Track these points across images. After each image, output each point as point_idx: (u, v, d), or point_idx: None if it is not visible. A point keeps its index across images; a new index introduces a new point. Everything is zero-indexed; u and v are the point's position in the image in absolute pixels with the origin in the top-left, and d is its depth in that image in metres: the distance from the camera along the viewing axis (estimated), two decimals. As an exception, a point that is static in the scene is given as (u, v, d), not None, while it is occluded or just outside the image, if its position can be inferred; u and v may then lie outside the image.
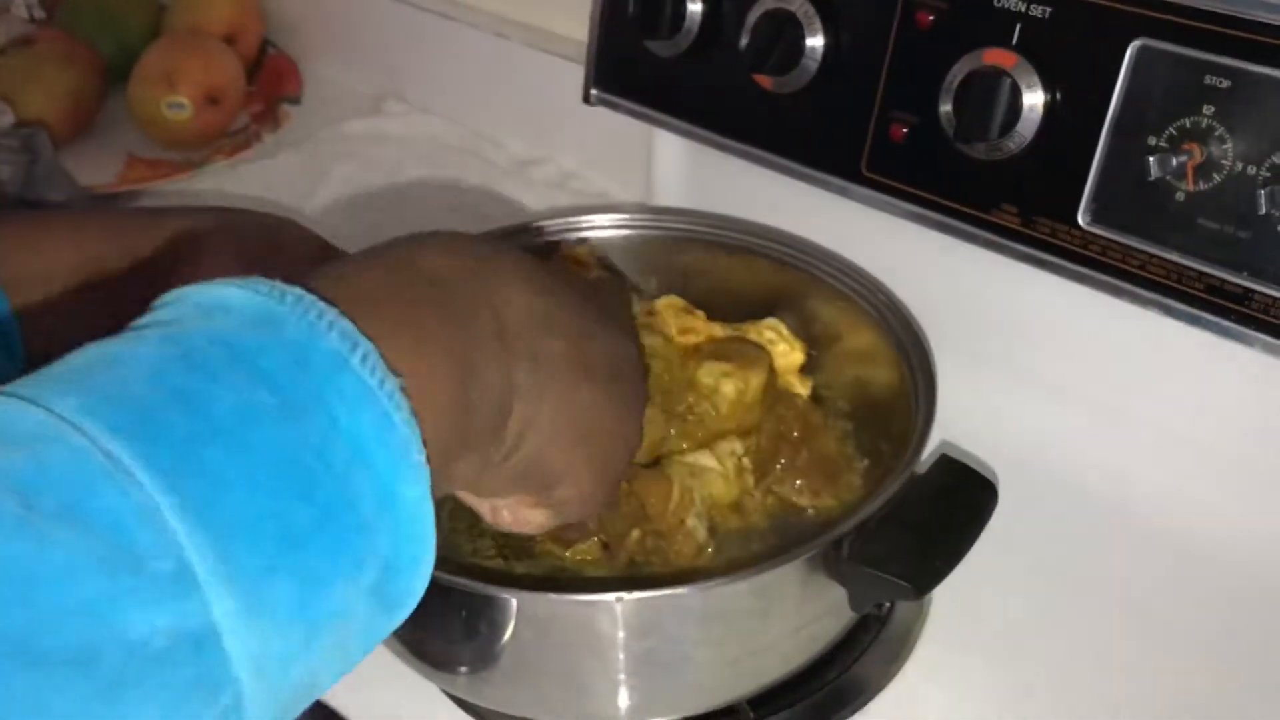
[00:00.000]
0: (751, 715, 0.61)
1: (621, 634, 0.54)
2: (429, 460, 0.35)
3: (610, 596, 0.52)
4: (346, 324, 0.34)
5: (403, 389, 0.35)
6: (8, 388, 0.31)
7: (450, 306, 0.40)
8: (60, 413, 0.30)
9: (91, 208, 0.96)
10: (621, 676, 0.56)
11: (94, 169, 1.08)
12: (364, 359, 0.34)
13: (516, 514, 0.49)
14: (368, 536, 0.33)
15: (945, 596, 0.67)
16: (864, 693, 0.63)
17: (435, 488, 0.36)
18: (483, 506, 0.50)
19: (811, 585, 0.55)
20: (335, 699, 0.62)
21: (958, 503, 0.58)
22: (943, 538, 0.56)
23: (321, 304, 0.35)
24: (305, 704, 0.34)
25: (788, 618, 0.57)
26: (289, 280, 0.35)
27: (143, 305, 0.63)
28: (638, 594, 0.52)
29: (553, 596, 0.56)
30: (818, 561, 0.54)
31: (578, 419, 0.46)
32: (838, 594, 0.56)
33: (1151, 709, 0.62)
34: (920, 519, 0.56)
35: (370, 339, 0.35)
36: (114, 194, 1.06)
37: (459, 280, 0.41)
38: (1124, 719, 0.61)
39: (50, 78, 1.13)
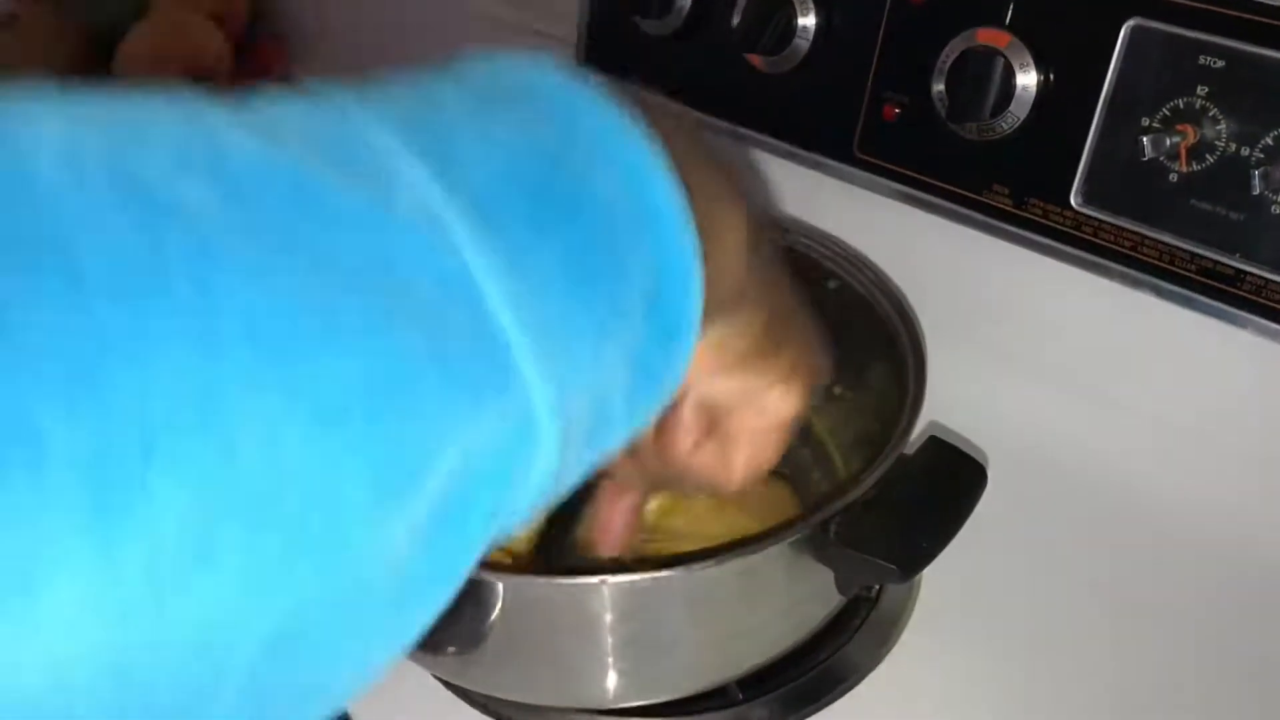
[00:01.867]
0: (740, 697, 0.61)
1: (609, 617, 0.53)
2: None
3: (595, 579, 0.52)
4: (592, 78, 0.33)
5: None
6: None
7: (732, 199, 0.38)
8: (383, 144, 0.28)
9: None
10: (609, 659, 0.55)
11: (79, 149, 1.08)
12: (605, 93, 0.33)
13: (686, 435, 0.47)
14: (627, 239, 0.31)
15: (934, 580, 0.67)
16: (853, 675, 0.63)
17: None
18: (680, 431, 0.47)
19: (799, 567, 0.55)
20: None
21: (946, 484, 0.57)
22: (930, 520, 0.55)
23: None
24: (606, 443, 0.33)
25: (775, 600, 0.57)
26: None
27: None
28: (623, 577, 0.52)
29: (539, 580, 0.55)
30: (804, 544, 0.54)
31: (776, 368, 0.45)
32: (825, 576, 0.56)
33: (1140, 693, 0.62)
34: (908, 501, 0.55)
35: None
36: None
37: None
38: (1112, 702, 0.61)
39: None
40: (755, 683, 0.61)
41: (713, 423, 0.47)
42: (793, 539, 0.53)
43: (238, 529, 0.22)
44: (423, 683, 0.63)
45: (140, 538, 0.21)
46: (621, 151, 0.31)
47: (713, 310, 0.36)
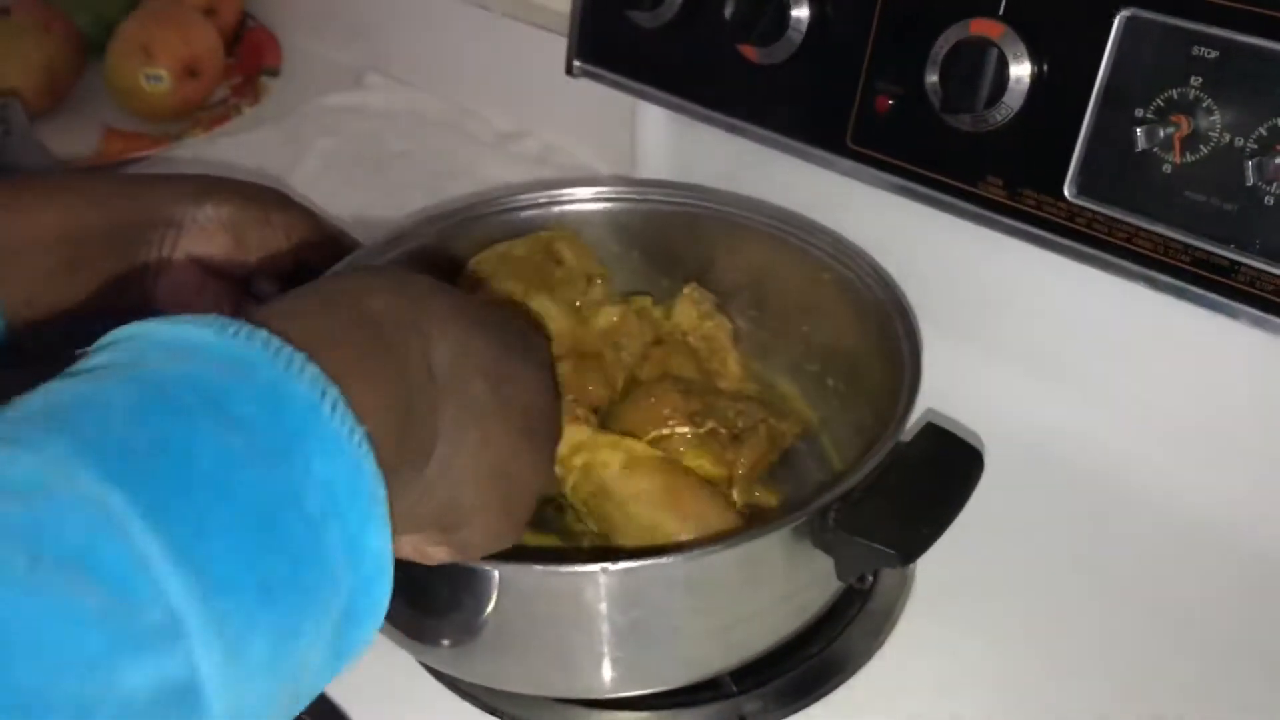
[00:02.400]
0: (734, 689, 0.61)
1: (606, 605, 0.53)
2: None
3: (595, 567, 0.52)
4: (315, 369, 0.34)
5: (368, 437, 0.34)
6: None
7: (393, 350, 0.40)
8: (50, 457, 0.29)
9: (74, 173, 0.95)
10: (607, 648, 0.55)
11: (70, 141, 1.07)
12: (334, 406, 0.34)
13: (419, 549, 0.48)
14: (335, 588, 0.33)
15: (928, 572, 0.67)
16: (847, 666, 0.63)
17: None
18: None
19: (798, 554, 0.55)
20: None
21: (944, 470, 0.58)
22: (929, 505, 0.56)
23: (290, 348, 0.34)
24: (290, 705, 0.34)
25: (774, 587, 0.57)
26: (250, 320, 0.35)
27: (122, 275, 0.62)
28: (622, 564, 0.52)
29: (537, 568, 0.55)
30: (804, 530, 0.54)
31: (493, 462, 0.45)
32: (824, 563, 0.56)
33: (1134, 681, 0.62)
34: (906, 487, 0.56)
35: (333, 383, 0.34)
36: (91, 168, 1.04)
37: (398, 321, 0.41)
38: (1106, 691, 0.61)
39: (26, 49, 1.12)
40: (748, 675, 0.61)
41: (447, 528, 0.47)
42: (793, 525, 0.53)
43: None
44: (414, 675, 0.63)
45: None
46: (350, 501, 0.33)
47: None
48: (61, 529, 0.28)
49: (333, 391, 0.34)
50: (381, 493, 0.34)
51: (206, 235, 0.63)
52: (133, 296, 0.62)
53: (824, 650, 0.64)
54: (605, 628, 0.54)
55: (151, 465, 0.30)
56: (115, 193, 0.62)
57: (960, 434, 0.59)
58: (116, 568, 0.28)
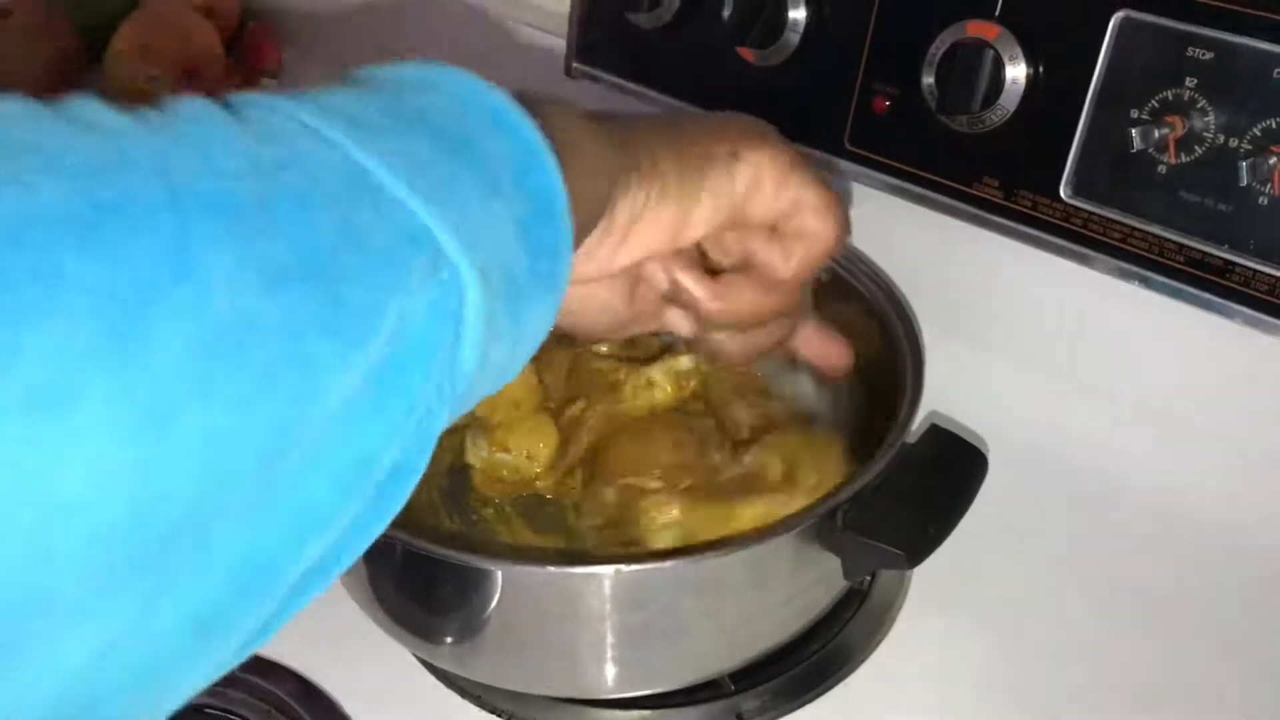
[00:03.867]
0: (733, 688, 0.62)
1: (615, 606, 0.54)
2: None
3: (609, 569, 0.52)
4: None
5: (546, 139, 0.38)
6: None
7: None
8: (304, 118, 0.32)
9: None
10: (614, 649, 0.56)
11: (71, 142, 1.07)
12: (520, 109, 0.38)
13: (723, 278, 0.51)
14: (478, 128, 0.36)
15: (926, 571, 0.67)
16: (845, 665, 0.63)
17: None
18: (686, 286, 0.51)
19: (806, 555, 0.55)
20: (314, 673, 0.62)
21: (949, 471, 0.58)
22: (935, 506, 0.56)
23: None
24: (521, 310, 0.36)
25: (781, 588, 0.57)
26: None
27: None
28: (629, 566, 0.52)
29: (549, 569, 0.55)
30: (812, 532, 0.55)
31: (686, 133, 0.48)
32: (831, 564, 0.56)
33: (1131, 678, 0.62)
34: (912, 488, 0.56)
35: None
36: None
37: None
38: (1103, 688, 0.62)
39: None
40: (746, 674, 0.62)
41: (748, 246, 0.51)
42: (802, 527, 0.54)
43: (221, 365, 0.27)
44: (415, 676, 0.63)
45: (144, 369, 0.25)
46: (451, 84, 0.37)
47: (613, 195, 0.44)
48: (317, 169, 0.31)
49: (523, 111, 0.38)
50: (472, 79, 0.38)
51: None
52: None
53: (822, 649, 0.64)
54: (614, 628, 0.55)
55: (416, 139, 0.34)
56: None
57: (963, 431, 0.60)
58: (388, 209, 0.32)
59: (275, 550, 0.29)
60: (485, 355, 0.34)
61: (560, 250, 0.38)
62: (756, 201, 0.49)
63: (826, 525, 0.54)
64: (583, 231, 0.43)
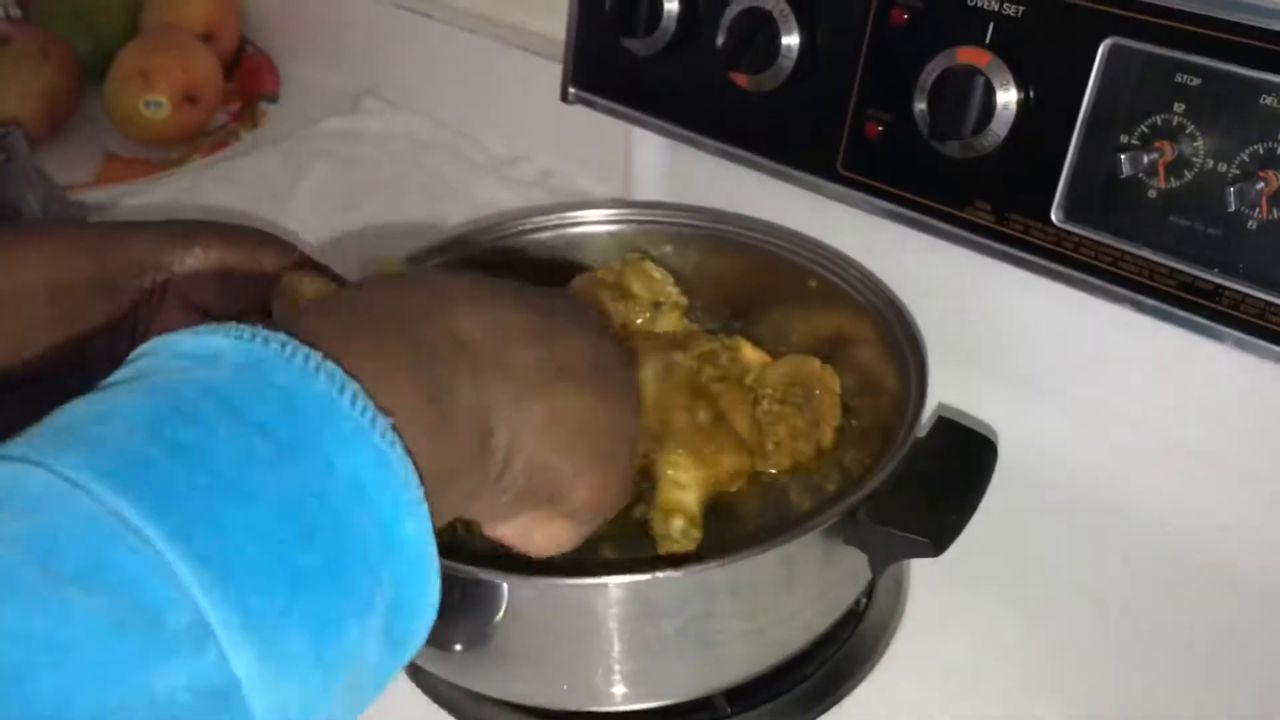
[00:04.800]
0: (728, 710, 0.62)
1: (642, 613, 0.55)
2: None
3: (645, 576, 0.53)
4: (332, 366, 0.34)
5: (393, 426, 0.35)
6: (1, 449, 0.31)
7: (413, 336, 0.40)
8: (63, 473, 0.30)
9: (60, 221, 0.96)
10: (629, 657, 0.56)
11: (70, 168, 1.08)
12: (353, 399, 0.34)
13: (545, 532, 0.49)
14: (374, 576, 0.34)
15: (922, 592, 0.68)
16: (841, 687, 0.63)
17: (432, 519, 0.36)
18: (507, 533, 0.49)
19: (831, 553, 0.57)
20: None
21: (961, 460, 0.60)
22: (953, 494, 0.58)
23: (305, 348, 0.35)
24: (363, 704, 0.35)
25: (808, 587, 0.59)
26: (268, 327, 0.35)
27: (113, 324, 0.62)
28: (627, 577, 0.53)
29: (575, 581, 0.55)
30: (836, 529, 0.56)
31: (565, 419, 0.45)
32: (855, 560, 0.58)
33: (1128, 701, 0.62)
34: (928, 478, 0.58)
35: (352, 377, 0.35)
36: (92, 194, 1.05)
37: (417, 311, 0.41)
38: (1101, 711, 0.62)
39: (26, 76, 1.13)
40: (744, 695, 0.62)
41: (549, 500, 0.47)
42: (826, 525, 0.55)
43: None
44: (405, 695, 0.64)
45: None
46: (378, 493, 0.34)
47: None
48: (75, 541, 0.29)
49: (351, 386, 0.34)
50: (413, 479, 0.35)
51: (194, 280, 0.62)
52: (123, 346, 0.62)
53: (818, 670, 0.64)
54: (635, 637, 0.56)
55: (166, 472, 0.31)
56: (102, 240, 0.61)
57: (970, 422, 0.62)
58: (134, 575, 0.29)
59: None
60: None
61: (397, 670, 0.37)
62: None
63: (850, 521, 0.56)
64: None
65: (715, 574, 0.54)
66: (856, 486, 0.58)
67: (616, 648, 0.56)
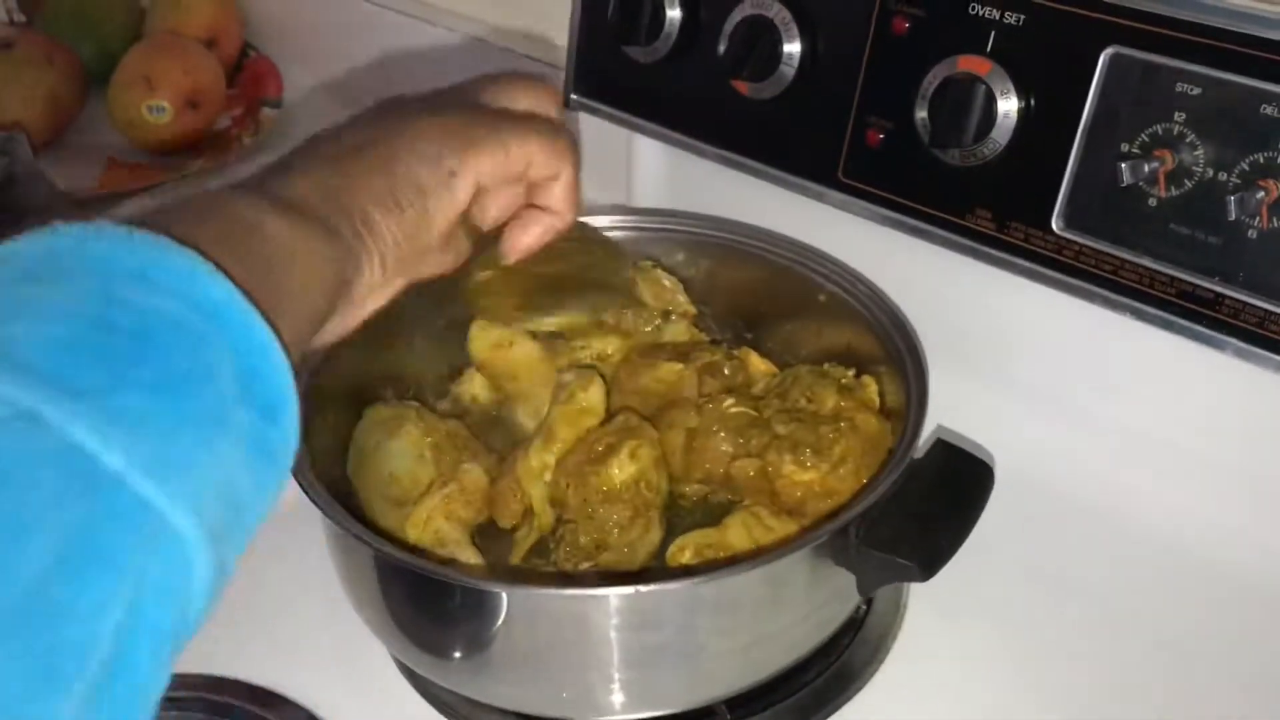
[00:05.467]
0: (729, 717, 0.62)
1: (630, 626, 0.54)
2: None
3: (629, 589, 0.53)
4: (111, 225, 0.36)
5: (169, 241, 0.36)
6: None
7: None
8: None
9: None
10: (624, 669, 0.56)
11: (73, 172, 1.08)
12: (129, 232, 0.36)
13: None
14: (198, 343, 0.35)
15: (921, 599, 0.68)
16: (842, 694, 0.64)
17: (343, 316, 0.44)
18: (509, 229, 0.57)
19: (820, 572, 0.56)
20: (319, 707, 0.62)
21: (957, 484, 0.60)
22: (946, 518, 0.58)
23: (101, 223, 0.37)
24: (238, 534, 0.35)
25: (796, 606, 0.58)
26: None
27: None
28: (628, 589, 0.53)
29: (566, 591, 0.56)
30: (825, 549, 0.56)
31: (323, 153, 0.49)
32: (843, 580, 0.57)
33: (1127, 709, 0.62)
34: (922, 501, 0.57)
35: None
36: (94, 198, 1.05)
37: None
38: (1099, 716, 0.62)
39: (30, 81, 1.13)
40: (744, 702, 0.62)
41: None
42: (815, 544, 0.55)
43: None
44: (394, 688, 0.64)
45: None
46: (163, 273, 0.35)
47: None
48: None
49: (135, 231, 0.36)
50: (198, 261, 0.36)
51: None
52: None
53: (818, 678, 0.64)
54: (629, 648, 0.55)
55: None
56: None
57: (969, 446, 0.61)
58: None
59: None
60: (217, 585, 0.34)
61: (286, 445, 0.38)
62: (487, 194, 0.53)
63: (840, 541, 0.55)
64: (308, 340, 0.43)
65: (703, 589, 0.54)
66: (848, 506, 0.57)
67: (612, 658, 0.56)
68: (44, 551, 0.29)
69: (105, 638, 0.30)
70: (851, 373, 0.69)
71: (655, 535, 0.63)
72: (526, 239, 0.58)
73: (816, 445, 0.63)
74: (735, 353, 0.73)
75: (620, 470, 0.62)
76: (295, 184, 0.45)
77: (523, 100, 0.56)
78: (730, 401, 0.67)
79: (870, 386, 0.68)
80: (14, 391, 0.30)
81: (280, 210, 0.42)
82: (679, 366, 0.69)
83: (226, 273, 0.36)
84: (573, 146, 0.56)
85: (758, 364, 0.73)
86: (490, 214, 0.56)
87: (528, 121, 0.54)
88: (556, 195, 0.56)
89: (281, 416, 0.37)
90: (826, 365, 0.70)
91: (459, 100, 0.54)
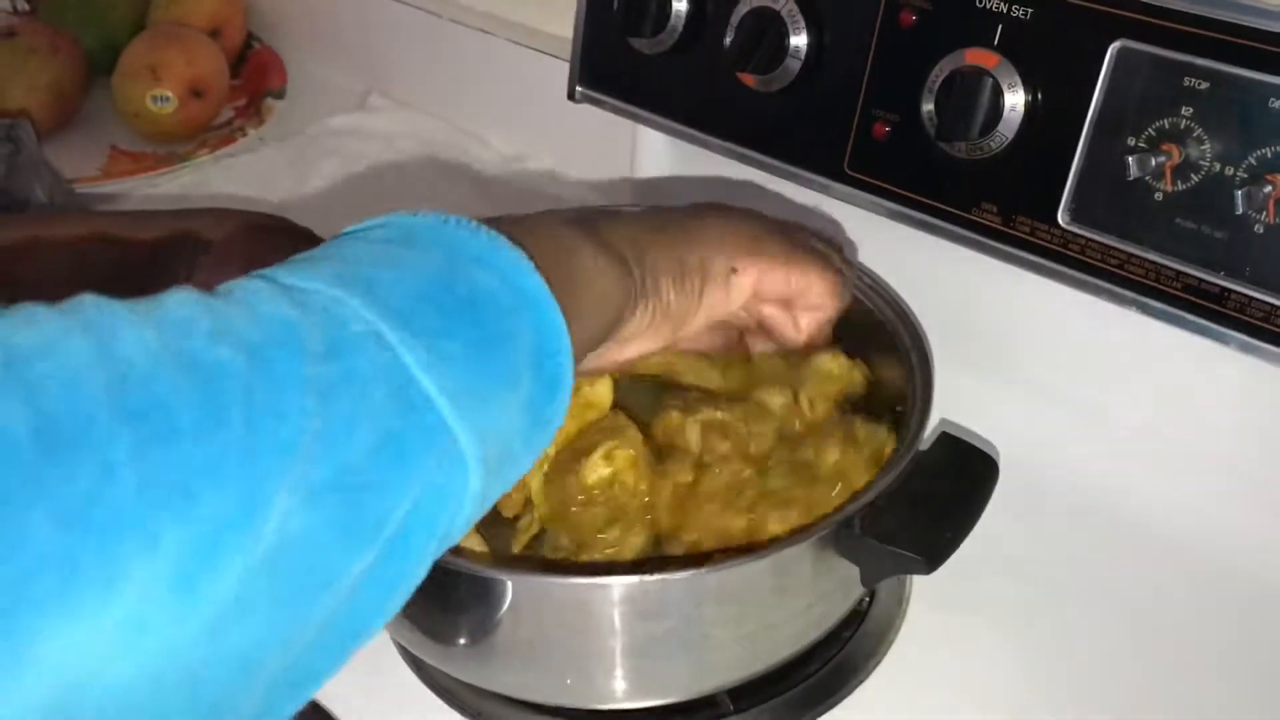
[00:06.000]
0: (731, 708, 0.62)
1: (634, 615, 0.55)
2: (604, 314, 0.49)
3: (634, 579, 0.53)
4: (473, 222, 0.44)
5: (523, 252, 0.43)
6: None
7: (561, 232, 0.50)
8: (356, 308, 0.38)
9: (87, 211, 0.96)
10: (629, 658, 0.57)
11: (77, 161, 1.08)
12: (493, 237, 0.43)
13: (775, 314, 0.61)
14: (511, 315, 0.42)
15: (924, 591, 0.68)
16: (844, 686, 0.64)
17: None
18: (774, 323, 0.62)
19: (824, 563, 0.56)
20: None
21: (961, 476, 0.59)
22: (950, 511, 0.57)
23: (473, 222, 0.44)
24: (506, 478, 0.42)
25: (800, 596, 0.58)
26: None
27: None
28: (636, 578, 0.53)
29: (572, 580, 0.57)
30: (830, 540, 0.56)
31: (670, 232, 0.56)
32: (847, 571, 0.57)
33: (1129, 702, 0.62)
34: (927, 494, 0.57)
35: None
36: (98, 187, 1.05)
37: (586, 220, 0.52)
38: (1102, 713, 0.62)
39: (34, 70, 1.13)
40: (747, 693, 0.62)
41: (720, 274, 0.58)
42: (820, 535, 0.55)
43: (264, 581, 0.33)
44: (402, 680, 0.64)
45: (205, 600, 0.32)
46: (495, 260, 0.43)
47: (616, 330, 0.52)
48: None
49: (468, 221, 0.44)
50: (525, 260, 0.43)
51: (222, 261, 0.64)
52: None
53: (821, 669, 0.64)
54: (632, 637, 0.56)
55: (380, 277, 0.39)
56: (129, 229, 0.64)
57: (973, 439, 0.61)
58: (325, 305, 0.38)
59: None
60: (477, 512, 0.41)
61: (555, 418, 0.44)
62: (755, 301, 0.60)
63: (844, 532, 0.55)
64: (586, 351, 0.50)
65: (707, 579, 0.54)
66: (854, 498, 0.57)
67: (614, 647, 0.56)
68: (365, 442, 0.35)
69: (395, 519, 0.36)
70: (882, 424, 0.65)
71: (637, 539, 0.62)
72: (761, 345, 0.65)
73: (806, 504, 0.60)
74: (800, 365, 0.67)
75: (592, 472, 0.62)
76: (614, 228, 0.53)
77: (818, 244, 0.63)
78: (732, 469, 0.63)
79: (883, 439, 0.64)
80: (374, 318, 0.37)
81: (594, 243, 0.50)
82: (678, 417, 0.65)
83: (542, 273, 0.43)
84: (847, 289, 0.63)
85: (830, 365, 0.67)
86: (749, 320, 0.63)
87: (815, 254, 0.61)
88: (809, 322, 0.63)
89: (558, 392, 0.44)
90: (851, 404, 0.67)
91: (768, 220, 0.61)
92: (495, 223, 0.45)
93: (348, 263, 0.40)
